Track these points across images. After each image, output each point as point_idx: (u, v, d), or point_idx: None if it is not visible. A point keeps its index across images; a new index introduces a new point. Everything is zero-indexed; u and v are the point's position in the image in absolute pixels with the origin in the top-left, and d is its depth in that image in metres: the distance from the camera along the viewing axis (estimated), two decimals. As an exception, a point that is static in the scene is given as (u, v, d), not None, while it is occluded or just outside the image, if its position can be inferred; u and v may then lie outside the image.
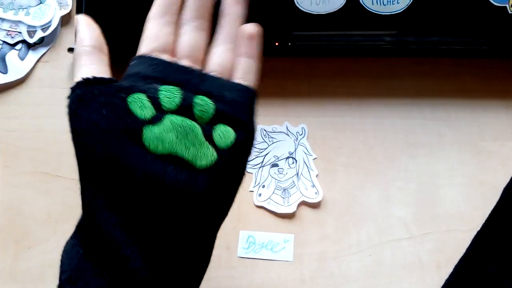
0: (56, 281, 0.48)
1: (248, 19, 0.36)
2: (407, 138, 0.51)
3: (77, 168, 0.31)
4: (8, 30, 0.54)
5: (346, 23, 0.50)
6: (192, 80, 0.33)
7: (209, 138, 0.32)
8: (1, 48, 0.54)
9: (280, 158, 0.51)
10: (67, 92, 0.54)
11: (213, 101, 0.33)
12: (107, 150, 0.30)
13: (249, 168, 0.50)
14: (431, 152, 0.51)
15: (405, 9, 0.49)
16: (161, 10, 0.35)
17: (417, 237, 0.48)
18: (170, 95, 0.32)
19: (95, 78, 0.31)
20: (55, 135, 0.52)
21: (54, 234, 0.49)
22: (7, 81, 0.53)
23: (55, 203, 0.50)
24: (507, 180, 0.46)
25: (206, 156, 0.32)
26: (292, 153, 0.51)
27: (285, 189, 0.50)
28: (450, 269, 0.45)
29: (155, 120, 0.31)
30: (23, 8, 0.54)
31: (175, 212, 0.30)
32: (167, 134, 0.31)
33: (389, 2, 0.49)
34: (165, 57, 0.34)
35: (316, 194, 0.49)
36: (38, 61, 0.54)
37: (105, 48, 0.34)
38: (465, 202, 0.49)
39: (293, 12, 0.49)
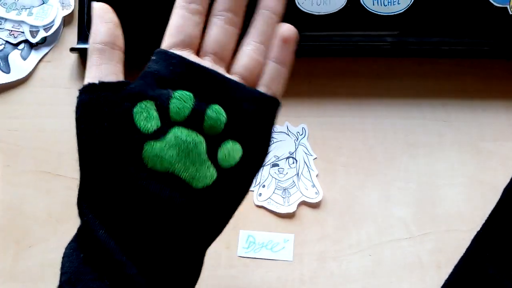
0: (56, 281, 0.49)
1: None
2: (407, 138, 0.51)
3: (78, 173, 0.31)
4: (11, 30, 0.54)
5: (346, 23, 0.50)
6: (210, 86, 0.32)
7: (213, 155, 0.31)
8: (4, 48, 0.54)
9: (280, 158, 0.51)
10: (69, 92, 0.55)
11: (227, 113, 0.31)
12: (104, 165, 0.30)
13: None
14: (431, 152, 0.51)
15: (406, 9, 0.49)
16: None
17: (417, 237, 0.48)
18: (181, 105, 0.31)
19: (101, 84, 0.31)
20: (57, 134, 0.52)
21: (55, 234, 0.49)
22: (10, 81, 0.53)
23: (55, 202, 0.50)
24: (507, 180, 0.46)
25: (204, 177, 0.31)
26: (293, 153, 0.51)
27: (285, 189, 0.50)
28: (450, 269, 0.45)
29: (159, 134, 0.30)
30: (25, 8, 0.55)
31: (164, 229, 0.30)
32: (168, 151, 0.30)
33: (389, 3, 0.49)
34: (188, 53, 0.32)
35: (316, 194, 0.49)
36: (40, 61, 0.54)
37: (119, 41, 0.32)
38: (465, 202, 0.49)
39: (294, 13, 0.49)
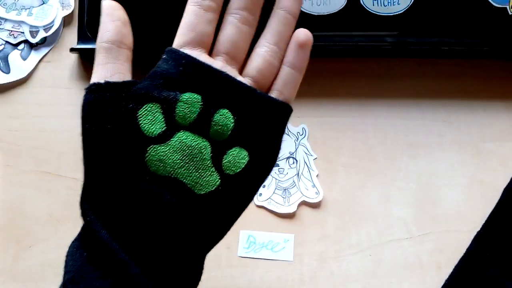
0: (56, 280, 0.49)
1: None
2: (407, 138, 0.51)
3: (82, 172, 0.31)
4: (11, 30, 0.54)
5: (346, 24, 0.50)
6: (219, 89, 0.31)
7: (218, 161, 0.31)
8: (4, 48, 0.54)
9: (280, 158, 0.51)
10: (69, 92, 0.55)
11: (235, 117, 0.31)
12: (107, 166, 0.30)
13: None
14: (431, 152, 0.51)
15: (406, 10, 0.49)
16: None
17: (417, 237, 0.48)
18: (188, 109, 0.30)
19: (107, 83, 0.30)
20: (57, 134, 0.52)
21: (55, 234, 0.49)
22: (10, 81, 0.53)
23: (56, 202, 0.50)
24: (507, 180, 0.46)
25: (207, 183, 0.31)
26: (293, 153, 0.51)
27: (285, 189, 0.50)
28: (450, 270, 0.45)
29: (164, 137, 0.30)
30: (25, 9, 0.55)
31: (164, 233, 0.30)
32: (172, 155, 0.30)
33: (389, 3, 0.49)
34: (199, 52, 0.32)
35: (317, 194, 0.49)
36: (40, 61, 0.54)
37: (127, 40, 0.32)
38: (465, 202, 0.49)
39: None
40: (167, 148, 0.30)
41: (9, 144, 0.52)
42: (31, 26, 0.54)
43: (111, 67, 0.31)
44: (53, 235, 0.49)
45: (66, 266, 0.31)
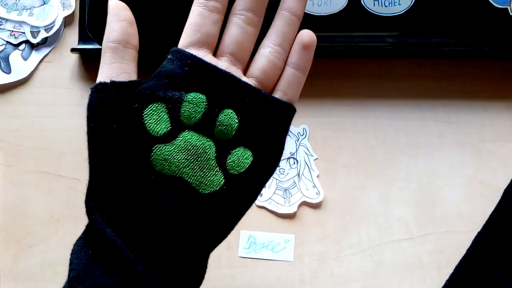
0: (56, 280, 0.49)
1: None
2: (407, 139, 0.51)
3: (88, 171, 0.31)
4: (12, 31, 0.55)
5: (347, 24, 0.50)
6: (224, 89, 0.31)
7: (221, 161, 0.31)
8: (5, 48, 0.54)
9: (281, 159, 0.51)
10: (70, 92, 0.55)
11: (240, 118, 0.31)
12: (112, 165, 0.30)
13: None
14: (432, 152, 0.51)
15: (407, 10, 0.49)
16: None
17: (418, 237, 0.48)
18: (193, 109, 0.31)
19: (112, 83, 0.30)
20: (58, 134, 0.52)
21: (56, 234, 0.49)
22: (10, 81, 0.53)
23: (57, 202, 0.50)
24: (508, 181, 0.46)
25: (212, 183, 0.31)
26: (293, 153, 0.51)
27: (286, 190, 0.50)
28: (450, 270, 0.45)
29: (169, 137, 0.30)
30: (26, 9, 0.55)
31: (168, 231, 0.30)
32: (177, 155, 0.30)
33: (390, 4, 0.49)
34: (204, 53, 0.32)
35: (317, 194, 0.49)
36: (41, 61, 0.54)
37: (133, 40, 0.32)
38: (465, 203, 0.49)
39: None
40: (172, 148, 0.30)
41: (9, 144, 0.52)
42: (32, 27, 0.54)
43: (117, 67, 0.31)
44: (53, 235, 0.49)
45: (71, 264, 0.31)
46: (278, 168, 0.50)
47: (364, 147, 0.51)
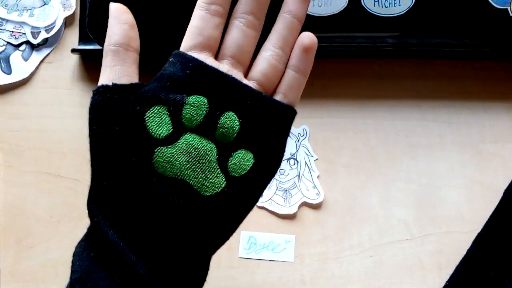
0: (57, 281, 0.49)
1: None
2: (408, 139, 0.51)
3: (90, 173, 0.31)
4: (12, 31, 0.55)
5: (348, 25, 0.50)
6: (225, 92, 0.31)
7: (223, 163, 0.31)
8: (5, 49, 0.54)
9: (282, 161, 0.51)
10: (70, 93, 0.55)
11: (241, 120, 0.31)
12: (114, 168, 0.30)
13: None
14: (432, 153, 0.51)
15: (407, 11, 0.49)
16: None
17: (418, 238, 0.48)
18: (194, 112, 0.31)
19: (114, 86, 0.31)
20: (58, 135, 0.52)
21: (56, 234, 0.49)
22: (11, 82, 0.53)
23: (57, 203, 0.50)
24: (508, 181, 0.46)
25: (213, 185, 0.31)
26: (294, 154, 0.51)
27: (286, 190, 0.50)
28: (450, 271, 0.45)
29: (171, 139, 0.30)
30: (27, 9, 0.55)
31: (170, 233, 0.30)
32: (179, 157, 0.30)
33: (390, 4, 0.49)
34: (206, 56, 0.32)
35: (318, 195, 0.50)
36: (41, 62, 0.54)
37: (134, 42, 0.32)
38: (465, 203, 0.49)
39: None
40: (174, 150, 0.30)
41: (10, 145, 0.52)
42: (33, 27, 0.54)
43: (119, 70, 0.31)
44: (53, 236, 0.49)
45: (73, 266, 0.31)
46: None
47: (365, 147, 0.51)
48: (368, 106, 0.52)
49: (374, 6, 0.49)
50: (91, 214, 0.31)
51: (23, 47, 0.55)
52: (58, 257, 0.49)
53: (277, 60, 0.33)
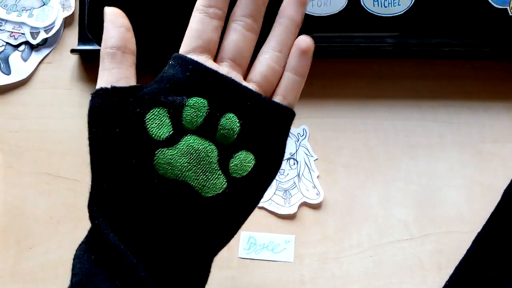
0: (57, 282, 0.49)
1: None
2: (408, 139, 0.51)
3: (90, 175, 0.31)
4: (11, 32, 0.55)
5: (347, 25, 0.50)
6: (225, 94, 0.32)
7: (224, 164, 0.31)
8: (4, 49, 0.54)
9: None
10: (70, 93, 0.55)
11: (241, 122, 0.32)
12: (115, 170, 0.30)
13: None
14: (432, 153, 0.51)
15: (406, 11, 0.49)
16: (208, 2, 0.32)
17: (418, 238, 0.48)
18: (194, 113, 0.31)
19: (113, 88, 0.31)
20: (58, 135, 0.52)
21: (56, 235, 0.49)
22: (10, 82, 0.53)
23: (56, 203, 0.50)
24: (508, 181, 0.46)
25: (214, 186, 0.31)
26: (293, 154, 0.51)
27: (286, 190, 0.50)
28: (450, 271, 0.45)
29: (171, 141, 0.30)
30: (26, 10, 0.55)
31: (172, 235, 0.30)
32: (180, 159, 0.30)
33: (390, 4, 0.49)
34: (205, 58, 0.32)
35: (317, 195, 0.50)
36: (41, 62, 0.54)
37: (131, 45, 0.32)
38: (465, 203, 0.49)
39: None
40: (175, 152, 0.30)
41: (9, 146, 0.52)
42: (32, 27, 0.54)
43: (117, 72, 0.31)
44: (53, 236, 0.49)
45: (73, 269, 0.31)
46: (278, 169, 0.50)
47: (364, 147, 0.51)
48: (367, 106, 0.52)
49: (374, 6, 0.49)
50: (91, 217, 0.31)
51: (22, 47, 0.55)
52: (57, 257, 0.49)
53: (276, 62, 0.34)
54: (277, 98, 0.34)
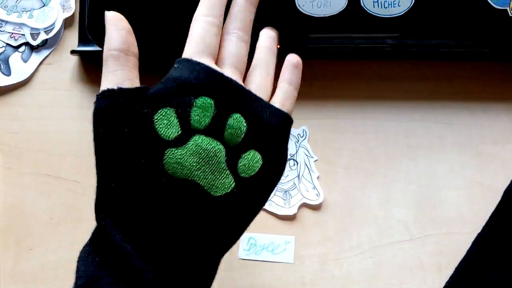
0: (57, 283, 0.49)
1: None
2: (407, 140, 0.51)
3: (95, 177, 0.31)
4: (12, 33, 0.55)
5: (347, 26, 0.50)
6: (231, 95, 0.32)
7: (232, 164, 0.32)
8: (5, 50, 0.54)
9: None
10: (70, 94, 0.55)
11: (247, 122, 0.32)
12: (123, 170, 0.30)
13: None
14: (432, 154, 0.51)
15: (406, 12, 0.49)
16: (206, 11, 0.34)
17: (418, 239, 0.48)
18: (202, 113, 0.31)
19: (120, 89, 0.31)
20: (58, 137, 0.52)
21: (55, 236, 0.49)
22: (10, 83, 0.53)
23: (56, 204, 0.50)
24: (508, 182, 0.46)
25: (223, 185, 0.31)
26: (293, 155, 0.51)
27: (286, 191, 0.50)
28: (450, 271, 0.45)
29: (180, 141, 0.31)
30: (26, 11, 0.55)
31: (180, 235, 0.31)
32: (189, 158, 0.31)
33: (390, 5, 0.49)
34: (210, 61, 0.33)
35: (317, 196, 0.50)
36: (41, 63, 0.54)
37: (134, 48, 0.33)
38: (465, 204, 0.49)
39: (294, 15, 0.49)
40: (184, 151, 0.31)
41: (9, 147, 0.52)
42: (32, 29, 0.54)
43: (121, 74, 0.32)
44: (53, 237, 0.49)
45: (77, 272, 0.31)
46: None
47: (364, 148, 0.51)
48: (367, 107, 0.52)
49: (374, 6, 0.49)
50: (98, 218, 0.31)
51: (22, 48, 0.55)
52: (57, 258, 0.49)
53: (266, 79, 0.36)
54: (275, 106, 0.35)
